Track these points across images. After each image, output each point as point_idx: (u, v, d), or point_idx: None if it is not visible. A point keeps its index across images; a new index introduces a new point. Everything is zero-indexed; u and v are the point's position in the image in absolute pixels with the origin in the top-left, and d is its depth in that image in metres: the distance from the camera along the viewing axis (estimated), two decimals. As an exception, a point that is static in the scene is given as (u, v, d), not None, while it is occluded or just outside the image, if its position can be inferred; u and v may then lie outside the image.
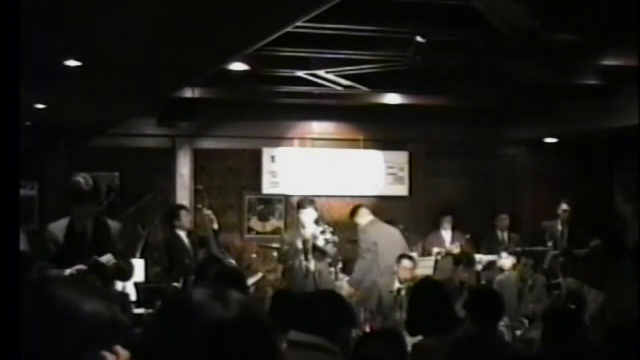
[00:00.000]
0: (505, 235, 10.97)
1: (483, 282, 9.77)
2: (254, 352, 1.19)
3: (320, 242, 8.53)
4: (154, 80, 7.75)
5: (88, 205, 5.47)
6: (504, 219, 11.06)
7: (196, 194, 8.62)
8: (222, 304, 1.20)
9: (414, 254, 9.84)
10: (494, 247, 10.41)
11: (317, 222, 8.73)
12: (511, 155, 12.77)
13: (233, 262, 8.41)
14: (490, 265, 9.85)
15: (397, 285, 8.20)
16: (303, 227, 8.61)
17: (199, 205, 8.52)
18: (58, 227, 5.54)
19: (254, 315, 1.23)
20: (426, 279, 5.92)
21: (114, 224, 5.74)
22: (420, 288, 4.87)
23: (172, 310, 1.25)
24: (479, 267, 9.99)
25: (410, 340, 4.45)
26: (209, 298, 1.22)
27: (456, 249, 10.31)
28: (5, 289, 1.45)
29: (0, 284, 1.45)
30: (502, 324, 5.82)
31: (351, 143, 11.97)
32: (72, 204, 5.56)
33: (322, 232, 8.62)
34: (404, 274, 8.26)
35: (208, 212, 8.69)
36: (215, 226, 8.65)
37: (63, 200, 10.85)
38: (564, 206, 10.62)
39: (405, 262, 8.41)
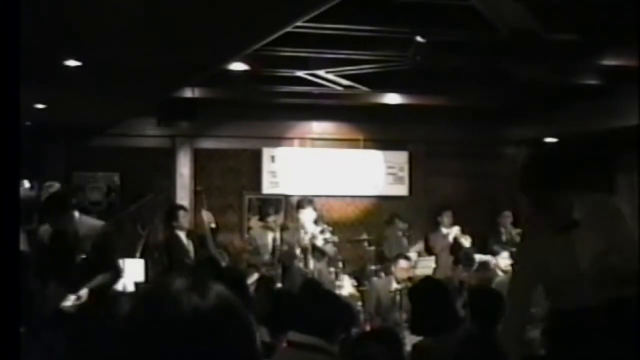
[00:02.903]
0: (510, 232, 11.00)
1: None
2: (230, 342, 1.19)
3: (319, 242, 8.54)
4: (154, 81, 7.75)
5: (59, 212, 5.56)
6: (507, 217, 11.10)
7: (196, 195, 8.60)
8: (198, 293, 1.20)
9: (414, 254, 9.85)
10: (498, 245, 10.49)
11: (316, 222, 8.74)
12: (511, 155, 12.76)
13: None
14: (484, 265, 9.84)
15: (394, 285, 8.21)
16: (302, 227, 8.63)
17: (198, 206, 8.50)
18: (44, 231, 5.65)
19: (231, 306, 1.23)
20: (427, 279, 5.92)
21: (92, 224, 5.76)
22: (421, 288, 4.87)
23: (147, 297, 1.25)
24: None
25: (411, 340, 4.46)
26: (185, 287, 1.22)
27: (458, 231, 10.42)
28: (5, 289, 1.45)
29: (0, 284, 1.45)
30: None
31: (351, 143, 11.97)
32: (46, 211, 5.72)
33: (322, 232, 8.63)
34: (401, 274, 8.26)
35: (207, 212, 8.71)
36: (213, 225, 8.68)
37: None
38: None
39: (402, 263, 8.41)
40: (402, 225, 10.73)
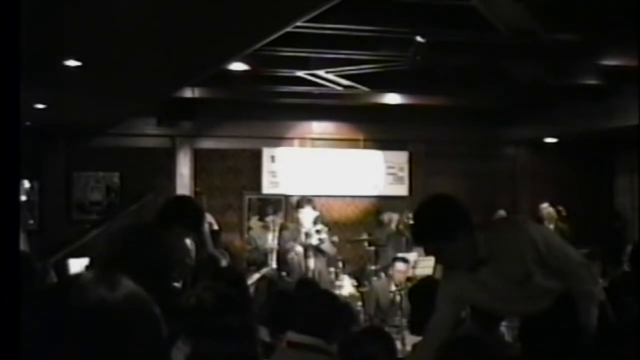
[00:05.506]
0: None
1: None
2: (132, 337, 1.18)
3: (314, 241, 8.55)
4: (154, 81, 7.75)
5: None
6: (501, 216, 11.09)
7: (195, 196, 8.58)
8: (105, 286, 1.20)
9: (414, 255, 9.84)
10: None
11: (315, 221, 8.74)
12: (511, 155, 12.77)
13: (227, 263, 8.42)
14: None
15: (393, 287, 8.20)
16: (302, 226, 8.63)
17: None
18: None
19: (140, 303, 1.22)
20: (426, 279, 5.92)
21: None
22: (421, 288, 4.87)
23: (53, 289, 1.25)
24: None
25: (411, 340, 4.45)
26: (93, 279, 1.22)
27: None
28: (5, 289, 1.45)
29: (0, 284, 1.45)
30: (503, 324, 5.81)
31: (351, 143, 11.98)
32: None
33: (317, 232, 8.64)
34: (399, 277, 8.24)
35: (207, 215, 8.70)
36: (215, 227, 8.67)
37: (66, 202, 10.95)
38: (544, 205, 10.71)
39: (399, 265, 8.38)
40: (399, 228, 10.65)
